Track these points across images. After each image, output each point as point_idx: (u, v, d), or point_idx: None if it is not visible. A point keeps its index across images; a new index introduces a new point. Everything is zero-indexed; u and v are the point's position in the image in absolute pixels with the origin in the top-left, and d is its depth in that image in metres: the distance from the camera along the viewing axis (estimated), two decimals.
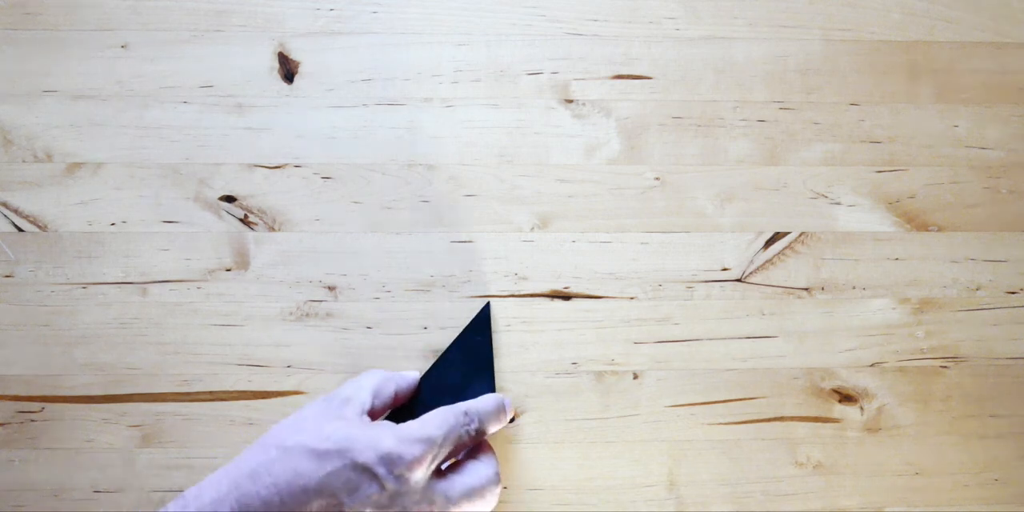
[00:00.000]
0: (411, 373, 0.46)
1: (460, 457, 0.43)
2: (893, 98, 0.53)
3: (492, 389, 0.47)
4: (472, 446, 0.43)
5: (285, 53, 0.51)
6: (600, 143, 0.51)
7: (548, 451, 0.48)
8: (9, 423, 0.46)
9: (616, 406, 0.49)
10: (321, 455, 0.36)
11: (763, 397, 0.49)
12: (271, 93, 0.51)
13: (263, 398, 0.48)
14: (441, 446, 0.39)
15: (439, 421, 0.40)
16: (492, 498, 0.41)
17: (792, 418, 0.49)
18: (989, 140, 0.53)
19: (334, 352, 0.48)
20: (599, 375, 0.49)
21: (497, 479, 0.42)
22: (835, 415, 0.49)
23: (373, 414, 0.42)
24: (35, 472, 0.46)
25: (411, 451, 0.37)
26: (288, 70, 0.51)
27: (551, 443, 0.48)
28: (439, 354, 0.48)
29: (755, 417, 0.49)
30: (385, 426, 0.39)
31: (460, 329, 0.49)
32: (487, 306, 0.49)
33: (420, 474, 0.38)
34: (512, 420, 0.48)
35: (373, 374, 0.44)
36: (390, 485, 0.36)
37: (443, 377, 0.47)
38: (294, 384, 0.48)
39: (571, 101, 0.52)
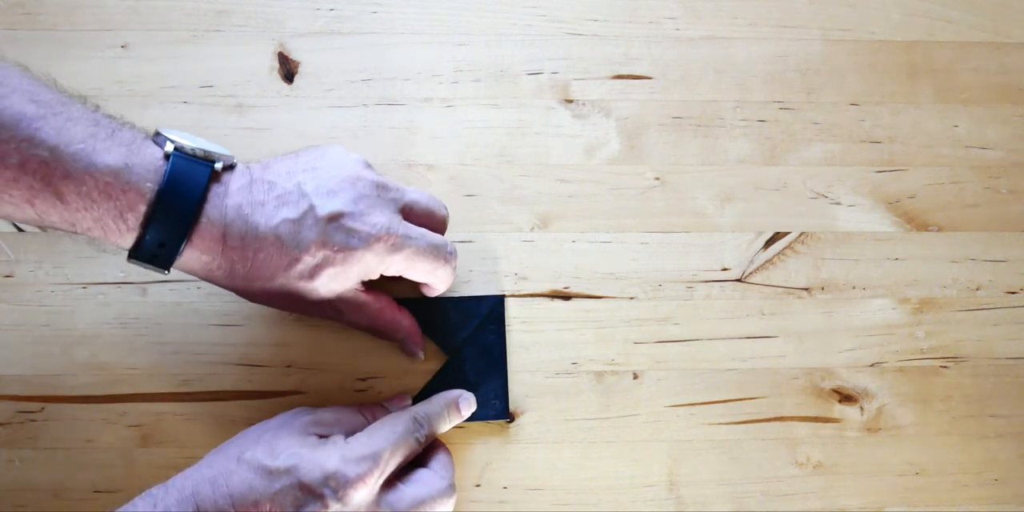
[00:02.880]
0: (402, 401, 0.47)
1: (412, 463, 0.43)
2: (893, 98, 0.53)
3: (504, 386, 0.47)
4: (424, 450, 0.43)
5: (285, 53, 0.51)
6: (600, 143, 0.51)
7: (548, 451, 0.48)
8: (9, 423, 0.46)
9: (616, 406, 0.49)
10: (272, 472, 0.38)
11: (763, 397, 0.49)
12: (271, 93, 0.51)
13: (263, 398, 0.48)
14: (389, 459, 0.40)
15: (387, 432, 0.41)
16: (443, 507, 0.42)
17: (792, 418, 0.49)
18: (989, 140, 0.53)
19: (334, 352, 0.48)
20: (599, 375, 0.49)
21: (450, 490, 0.42)
22: (835, 415, 0.49)
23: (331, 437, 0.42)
24: (35, 472, 0.46)
25: (355, 470, 0.38)
26: (288, 70, 0.51)
27: (551, 443, 0.48)
28: (440, 354, 0.48)
29: (755, 417, 0.49)
30: (334, 444, 0.40)
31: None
32: (501, 302, 0.49)
33: (364, 492, 0.39)
34: (511, 420, 0.48)
35: (357, 419, 0.44)
36: (333, 504, 0.38)
37: (456, 374, 0.47)
38: (294, 384, 0.48)
39: (571, 101, 0.52)
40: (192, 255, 0.39)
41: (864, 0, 0.54)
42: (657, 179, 0.51)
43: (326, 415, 0.43)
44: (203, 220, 0.38)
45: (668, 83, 0.52)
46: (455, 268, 0.45)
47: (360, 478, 0.38)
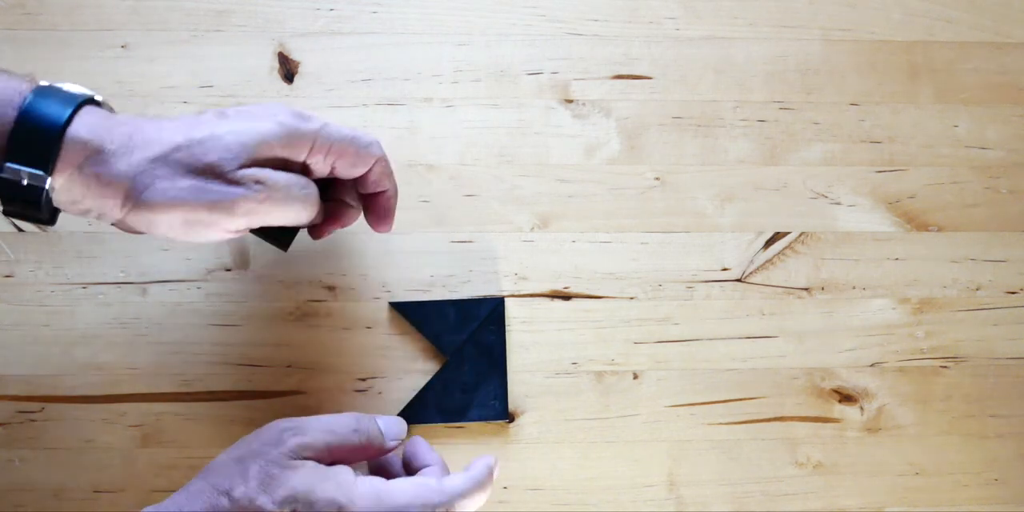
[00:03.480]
0: (393, 427, 0.42)
1: None
2: (893, 98, 0.53)
3: (504, 386, 0.47)
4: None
5: (285, 53, 0.51)
6: (600, 143, 0.51)
7: (548, 451, 0.48)
8: (9, 423, 0.46)
9: (616, 406, 0.49)
10: None
11: (763, 397, 0.49)
12: (271, 93, 0.51)
13: (263, 398, 0.48)
14: None
15: (399, 506, 0.37)
16: None
17: (792, 418, 0.49)
18: (989, 140, 0.53)
19: (334, 352, 0.48)
20: (599, 375, 0.49)
21: None
22: (835, 415, 0.49)
23: (322, 460, 0.38)
24: (35, 472, 0.46)
25: None
26: (288, 70, 0.51)
27: (551, 443, 0.48)
28: (439, 354, 0.48)
29: (755, 417, 0.49)
30: (336, 482, 0.37)
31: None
32: (501, 303, 0.49)
33: None
34: (510, 420, 0.48)
35: (349, 431, 0.39)
36: None
37: (456, 374, 0.47)
38: (294, 384, 0.48)
39: (571, 101, 0.52)
40: (61, 188, 0.36)
41: (864, 0, 0.54)
42: (657, 179, 0.51)
43: (314, 438, 0.38)
44: (65, 143, 0.35)
45: (668, 83, 0.52)
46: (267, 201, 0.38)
47: None
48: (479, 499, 0.40)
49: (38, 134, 0.35)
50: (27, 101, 0.35)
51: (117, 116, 0.38)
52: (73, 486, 0.46)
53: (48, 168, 0.35)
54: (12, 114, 0.35)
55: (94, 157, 0.36)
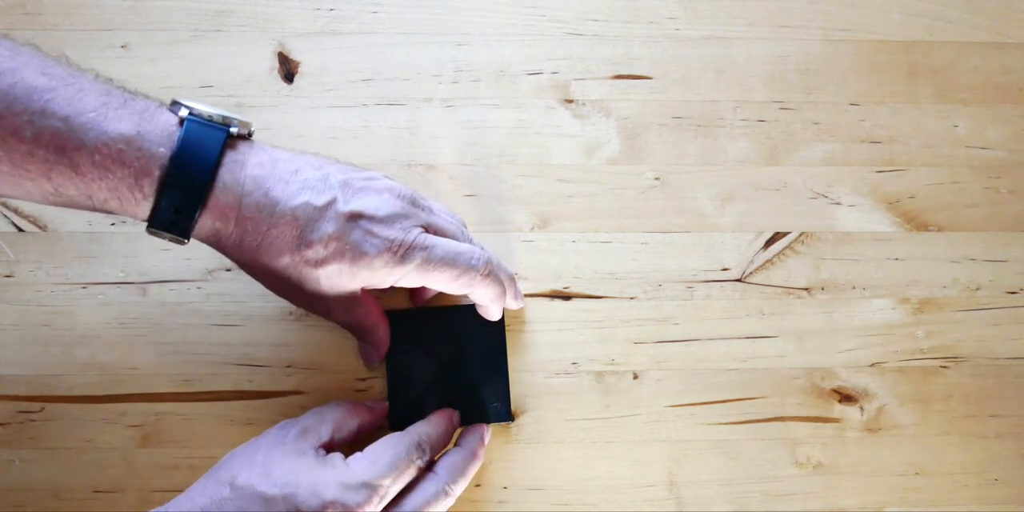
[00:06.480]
0: (379, 403, 0.46)
1: None
2: (893, 98, 0.53)
3: (506, 388, 0.47)
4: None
5: (285, 53, 0.51)
6: (600, 143, 0.51)
7: (548, 451, 0.48)
8: (9, 423, 0.46)
9: (616, 406, 0.49)
10: (268, 500, 0.37)
11: (763, 397, 0.49)
12: (271, 93, 0.51)
13: (263, 398, 0.48)
14: (391, 486, 0.39)
15: (390, 457, 0.40)
16: (438, 508, 0.41)
17: (792, 418, 0.49)
18: (989, 140, 0.53)
19: (334, 352, 0.48)
20: (599, 375, 0.49)
21: (441, 494, 0.42)
22: (835, 415, 0.49)
23: (331, 446, 0.41)
24: (35, 472, 0.46)
25: (355, 498, 0.37)
26: (288, 70, 0.51)
27: (551, 443, 0.48)
28: (440, 357, 0.48)
29: (755, 417, 0.49)
30: (333, 467, 0.39)
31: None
32: None
33: None
34: (511, 420, 0.48)
35: (337, 406, 0.44)
36: None
37: (457, 374, 0.47)
38: (294, 384, 0.48)
39: (571, 101, 0.52)
40: (206, 222, 0.38)
41: (864, 0, 0.54)
42: (657, 179, 0.51)
43: (310, 421, 0.42)
44: (218, 184, 0.38)
45: (668, 83, 0.52)
46: (489, 276, 0.43)
47: (359, 506, 0.37)
48: (449, 438, 0.44)
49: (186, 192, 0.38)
50: (179, 140, 0.37)
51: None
52: (73, 486, 0.46)
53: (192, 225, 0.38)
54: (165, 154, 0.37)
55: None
